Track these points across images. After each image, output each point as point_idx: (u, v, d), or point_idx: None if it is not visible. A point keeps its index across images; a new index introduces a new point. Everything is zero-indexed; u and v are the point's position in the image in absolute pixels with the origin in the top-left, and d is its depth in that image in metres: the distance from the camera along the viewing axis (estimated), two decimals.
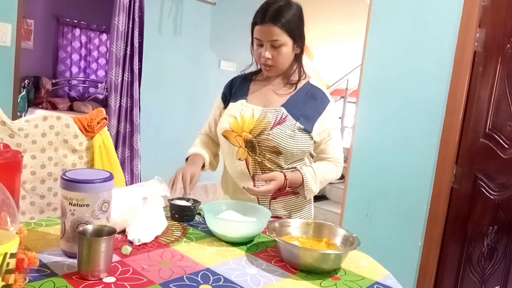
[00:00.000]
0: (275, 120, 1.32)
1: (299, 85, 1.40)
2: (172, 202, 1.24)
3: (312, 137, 1.36)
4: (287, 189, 1.35)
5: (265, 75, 1.44)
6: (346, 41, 5.38)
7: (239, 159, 1.37)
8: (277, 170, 1.36)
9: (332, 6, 4.88)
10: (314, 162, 1.45)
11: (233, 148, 1.38)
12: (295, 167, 1.39)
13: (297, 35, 1.32)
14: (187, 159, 1.45)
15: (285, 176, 1.31)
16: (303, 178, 1.34)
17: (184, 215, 1.22)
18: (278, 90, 1.40)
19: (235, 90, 1.46)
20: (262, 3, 1.32)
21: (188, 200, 1.28)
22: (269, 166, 1.35)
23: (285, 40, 1.29)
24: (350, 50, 5.28)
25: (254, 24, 1.31)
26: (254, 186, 1.36)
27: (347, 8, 4.80)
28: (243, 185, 1.32)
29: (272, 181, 1.29)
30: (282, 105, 1.36)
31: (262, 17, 1.28)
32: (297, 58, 1.39)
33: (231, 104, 1.42)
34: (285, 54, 1.32)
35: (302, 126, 1.33)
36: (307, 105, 1.37)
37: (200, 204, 1.28)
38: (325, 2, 4.78)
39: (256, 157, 1.35)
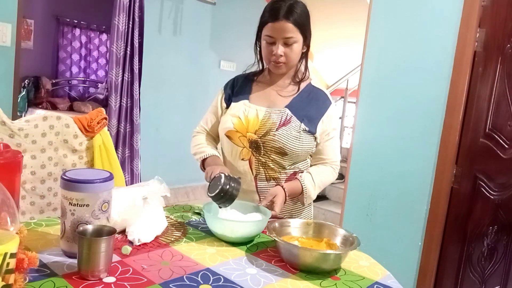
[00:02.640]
0: (280, 121, 1.33)
1: (302, 86, 1.41)
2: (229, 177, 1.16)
3: (316, 138, 1.37)
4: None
5: (268, 77, 1.44)
6: (346, 42, 5.38)
7: (242, 159, 1.37)
8: (279, 171, 1.36)
9: (333, 9, 4.89)
10: (311, 163, 1.45)
11: (236, 148, 1.38)
12: (298, 168, 1.39)
13: (307, 33, 1.33)
14: (203, 161, 1.41)
15: (283, 189, 1.32)
16: (302, 186, 1.35)
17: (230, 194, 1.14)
18: (281, 91, 1.40)
19: (237, 89, 1.45)
20: (268, 2, 1.32)
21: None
22: (272, 166, 1.35)
23: (298, 37, 1.30)
24: (350, 51, 5.28)
25: (264, 22, 1.30)
26: (256, 186, 1.37)
27: (348, 10, 4.80)
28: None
29: (275, 197, 1.29)
30: (286, 106, 1.36)
31: (274, 14, 1.27)
32: (304, 57, 1.40)
33: (233, 104, 1.41)
34: (297, 51, 1.32)
35: (306, 128, 1.33)
36: (310, 106, 1.37)
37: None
38: (326, 5, 4.78)
39: (260, 158, 1.35)
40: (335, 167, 1.44)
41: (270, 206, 1.27)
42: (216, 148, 1.50)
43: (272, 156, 1.34)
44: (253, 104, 1.38)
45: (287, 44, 1.29)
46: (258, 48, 1.41)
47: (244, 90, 1.43)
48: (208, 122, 1.50)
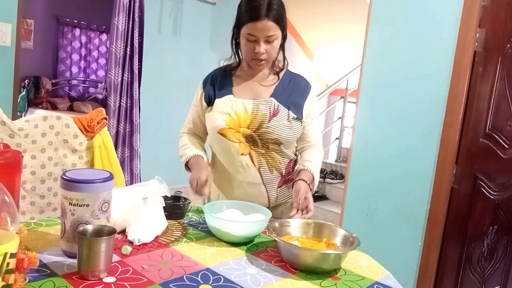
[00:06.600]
0: (270, 112, 1.35)
1: (281, 74, 1.42)
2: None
3: (302, 122, 1.40)
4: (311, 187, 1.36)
5: (246, 69, 1.42)
6: (346, 43, 5.37)
7: (242, 154, 1.37)
8: (279, 160, 1.39)
9: (333, 8, 4.89)
10: (298, 147, 1.46)
11: (232, 144, 1.37)
12: (291, 154, 1.43)
13: (285, 25, 1.34)
14: (187, 163, 1.44)
15: (306, 182, 1.33)
16: (313, 174, 1.38)
17: (173, 213, 1.24)
18: (263, 82, 1.41)
19: (217, 85, 1.44)
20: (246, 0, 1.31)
21: (179, 198, 1.31)
22: (273, 156, 1.38)
23: (278, 33, 1.31)
24: (350, 51, 5.28)
25: (244, 21, 1.29)
26: (262, 178, 1.38)
27: (348, 9, 4.80)
28: (291, 215, 1.27)
29: (307, 193, 1.30)
30: (271, 96, 1.38)
31: (255, 14, 1.26)
32: (282, 47, 1.40)
33: (217, 100, 1.40)
34: (277, 47, 1.35)
35: (295, 116, 1.36)
36: (293, 92, 1.40)
37: (190, 202, 1.31)
38: (326, 5, 4.78)
39: (260, 150, 1.37)
40: (321, 147, 1.49)
41: (305, 205, 1.27)
42: (202, 147, 1.52)
43: (270, 146, 1.37)
44: (238, 98, 1.39)
45: (268, 41, 1.31)
46: (235, 42, 1.40)
47: (225, 85, 1.43)
48: (191, 121, 1.52)
